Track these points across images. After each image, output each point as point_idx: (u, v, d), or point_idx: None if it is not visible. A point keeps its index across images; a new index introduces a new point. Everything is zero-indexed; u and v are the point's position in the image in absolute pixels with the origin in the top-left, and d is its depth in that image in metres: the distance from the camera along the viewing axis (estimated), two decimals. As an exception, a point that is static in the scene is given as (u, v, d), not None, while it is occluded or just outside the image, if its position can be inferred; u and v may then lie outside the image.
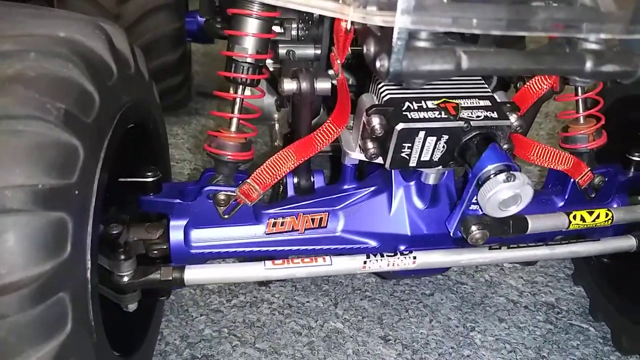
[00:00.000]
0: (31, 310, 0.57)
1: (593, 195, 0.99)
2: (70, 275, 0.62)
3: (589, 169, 0.94)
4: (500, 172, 0.73)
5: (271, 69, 1.10)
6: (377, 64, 0.58)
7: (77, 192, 0.63)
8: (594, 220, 0.89)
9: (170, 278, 0.80)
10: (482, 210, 0.77)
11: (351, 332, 1.18)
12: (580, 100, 0.96)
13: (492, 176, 0.73)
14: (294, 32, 1.10)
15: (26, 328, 0.57)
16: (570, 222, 0.86)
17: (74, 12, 0.81)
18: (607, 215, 0.90)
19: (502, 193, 0.71)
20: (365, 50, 0.64)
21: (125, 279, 0.80)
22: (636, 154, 1.03)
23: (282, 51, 1.03)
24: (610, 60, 0.62)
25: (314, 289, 1.28)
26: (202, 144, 0.85)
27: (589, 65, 0.62)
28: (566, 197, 0.98)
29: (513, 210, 0.74)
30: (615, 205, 1.00)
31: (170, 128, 2.14)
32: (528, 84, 0.87)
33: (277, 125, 1.49)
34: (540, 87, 0.86)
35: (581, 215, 0.88)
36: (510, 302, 1.30)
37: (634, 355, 1.14)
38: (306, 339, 1.15)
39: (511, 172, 0.72)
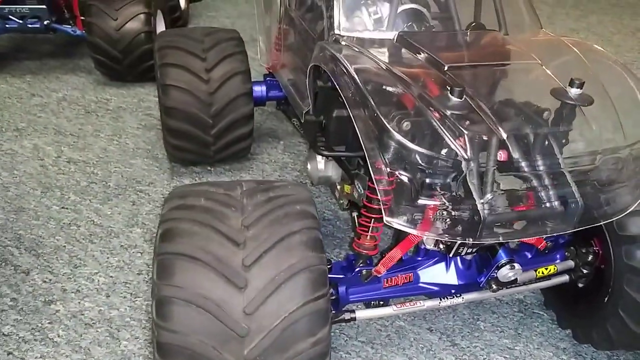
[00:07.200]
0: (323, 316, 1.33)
1: (547, 252, 1.84)
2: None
3: (545, 240, 1.78)
4: (508, 262, 1.56)
5: None
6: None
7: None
8: (548, 271, 1.75)
9: (350, 317, 1.61)
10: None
11: (409, 327, 2.02)
12: None
13: (503, 263, 1.56)
14: None
15: (319, 320, 1.29)
16: (537, 274, 1.72)
17: (294, 183, 1.52)
18: (555, 268, 1.76)
19: (508, 274, 1.55)
20: None
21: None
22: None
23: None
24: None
25: (382, 300, 2.11)
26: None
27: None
28: (533, 252, 1.83)
29: (512, 279, 1.58)
30: (558, 256, 1.85)
31: (239, 174, 2.88)
32: None
33: (338, 187, 2.20)
34: None
35: (542, 271, 1.74)
36: (497, 300, 2.17)
37: (569, 330, 2.04)
38: (385, 333, 1.98)
39: (513, 263, 1.55)
